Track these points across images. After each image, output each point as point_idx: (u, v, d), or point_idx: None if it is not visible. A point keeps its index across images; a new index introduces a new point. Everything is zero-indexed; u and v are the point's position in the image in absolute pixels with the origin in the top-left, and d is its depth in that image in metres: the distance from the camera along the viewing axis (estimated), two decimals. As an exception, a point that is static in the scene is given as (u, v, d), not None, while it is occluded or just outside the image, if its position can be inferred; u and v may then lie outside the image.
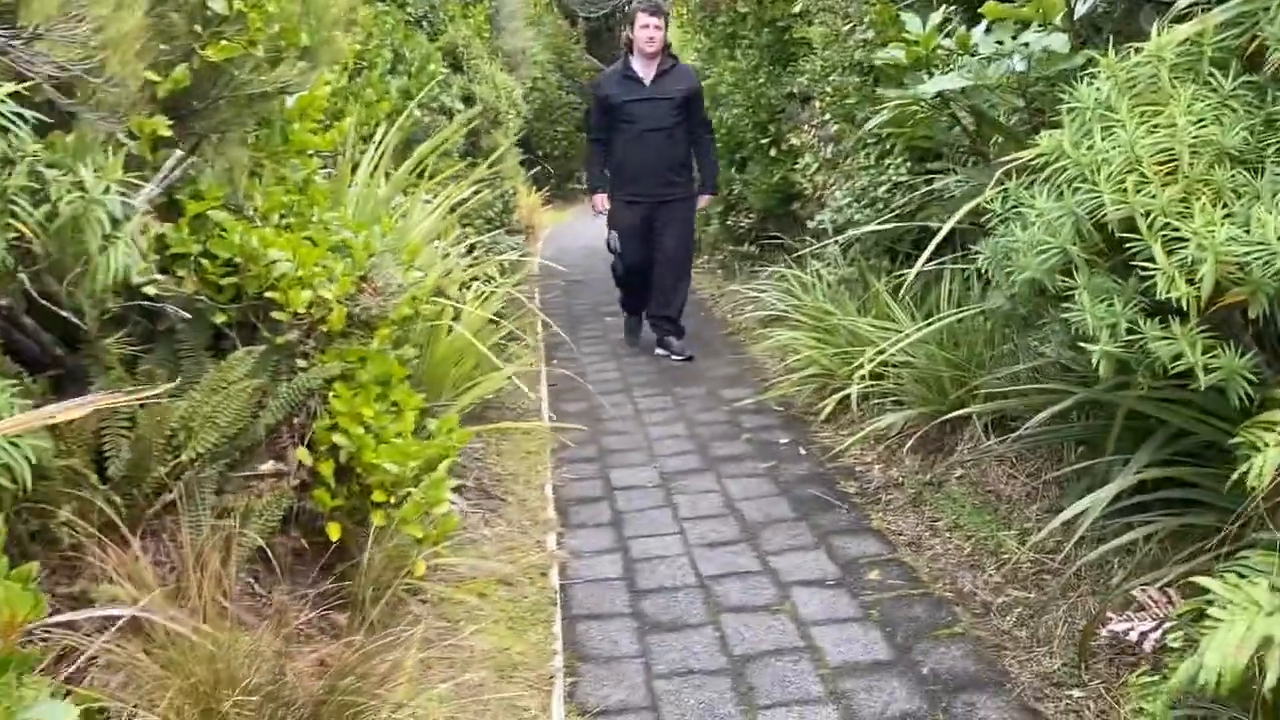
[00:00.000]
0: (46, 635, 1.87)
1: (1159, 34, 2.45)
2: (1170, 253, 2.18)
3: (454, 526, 2.90)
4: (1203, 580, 1.98)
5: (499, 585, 3.36)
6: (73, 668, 1.93)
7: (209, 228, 2.70)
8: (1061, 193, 2.45)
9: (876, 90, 4.78)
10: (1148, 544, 2.85)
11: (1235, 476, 2.08)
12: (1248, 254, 2.08)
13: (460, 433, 3.17)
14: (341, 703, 2.07)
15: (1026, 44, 3.07)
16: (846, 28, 5.10)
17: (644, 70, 6.37)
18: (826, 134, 6.19)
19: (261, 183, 2.95)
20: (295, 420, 2.87)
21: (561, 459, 4.73)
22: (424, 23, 6.84)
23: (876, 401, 4.57)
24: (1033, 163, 2.63)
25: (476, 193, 5.17)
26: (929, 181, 4.50)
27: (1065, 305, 2.48)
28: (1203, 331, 2.20)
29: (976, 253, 3.15)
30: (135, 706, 1.85)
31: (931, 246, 3.30)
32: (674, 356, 6.51)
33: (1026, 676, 2.74)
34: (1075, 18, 3.08)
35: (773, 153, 7.45)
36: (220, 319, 2.71)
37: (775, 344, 5.73)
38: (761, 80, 7.51)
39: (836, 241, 5.24)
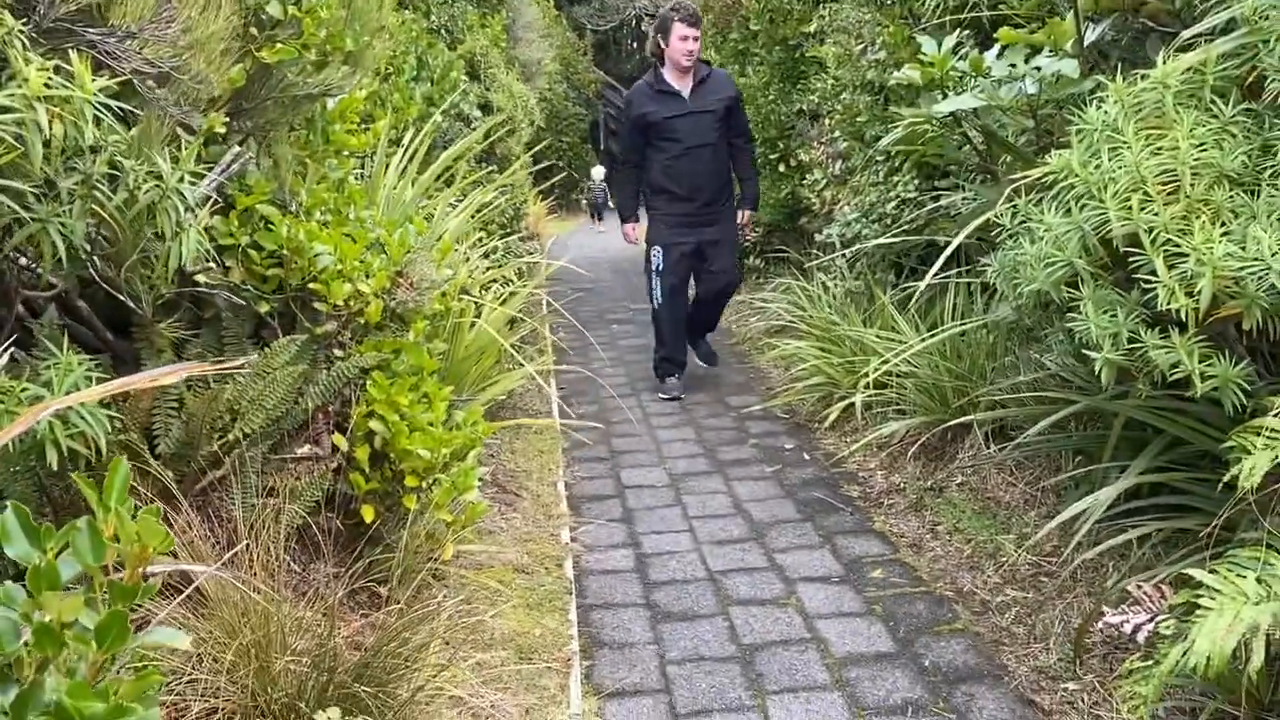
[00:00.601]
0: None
1: (1164, 62, 2.60)
2: (1171, 267, 2.32)
3: (483, 512, 3.03)
4: (1194, 572, 2.12)
5: (516, 574, 3.49)
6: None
7: (255, 221, 2.83)
8: (1069, 209, 2.59)
9: (888, 109, 4.94)
10: (1141, 547, 2.98)
11: (1227, 478, 2.21)
12: (1243, 269, 2.22)
13: (485, 426, 3.29)
14: (382, 667, 2.20)
15: (1039, 68, 3.23)
16: (859, 48, 5.26)
17: (680, 83, 5.87)
18: (836, 151, 6.34)
19: (305, 180, 3.08)
20: (330, 408, 3.00)
21: (573, 458, 4.87)
22: (444, 31, 6.99)
23: (880, 410, 4.71)
24: (1041, 180, 2.77)
25: (500, 198, 5.30)
26: (936, 198, 4.64)
27: (1070, 315, 2.62)
28: (1200, 342, 2.34)
29: (983, 267, 3.29)
30: (199, 659, 1.98)
31: (941, 260, 3.45)
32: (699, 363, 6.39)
33: (1024, 670, 2.87)
34: (1085, 44, 3.23)
35: (781, 168, 7.61)
36: (264, 308, 2.84)
37: (781, 354, 5.88)
38: (772, 97, 7.67)
39: (844, 255, 5.39)
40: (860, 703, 2.76)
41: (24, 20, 1.82)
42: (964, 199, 4.00)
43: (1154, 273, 2.36)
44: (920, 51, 3.78)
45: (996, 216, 2.99)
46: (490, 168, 6.47)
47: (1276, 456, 2.12)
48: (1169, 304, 2.30)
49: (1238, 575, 2.07)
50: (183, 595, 2.03)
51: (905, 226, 4.86)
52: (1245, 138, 2.48)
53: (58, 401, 1.51)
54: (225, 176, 2.50)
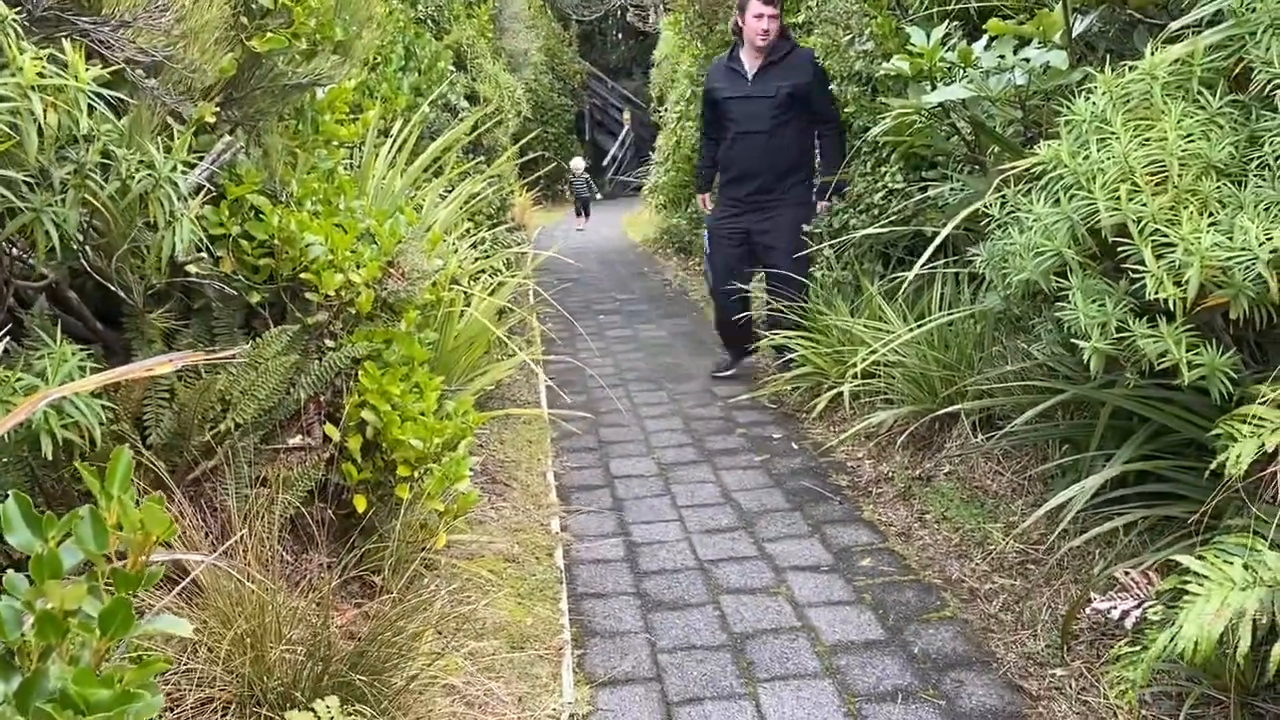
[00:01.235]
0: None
1: (1152, 54, 2.62)
2: (1159, 257, 2.34)
3: (475, 502, 3.03)
4: (1181, 558, 2.14)
5: (507, 563, 3.50)
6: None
7: (246, 211, 2.83)
8: (1058, 199, 2.61)
9: (876, 100, 4.96)
10: (1128, 534, 3.01)
11: (1214, 465, 2.24)
12: (1230, 259, 2.24)
13: (475, 415, 3.30)
14: (377, 656, 2.20)
15: (1028, 59, 3.24)
16: (847, 39, 5.27)
17: (750, 62, 5.56)
18: (823, 141, 6.33)
19: (296, 170, 3.07)
20: (322, 398, 3.00)
21: (562, 448, 4.88)
22: (431, 21, 6.97)
23: (868, 400, 4.73)
24: (1030, 171, 2.79)
25: (487, 189, 5.30)
26: (924, 189, 4.66)
27: (1059, 305, 2.64)
28: (1187, 331, 2.36)
29: (971, 257, 3.31)
30: (194, 649, 1.98)
31: (930, 250, 3.47)
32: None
33: (1012, 657, 2.89)
34: (1073, 36, 3.25)
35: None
36: (255, 298, 2.83)
37: (768, 344, 5.88)
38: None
39: (831, 245, 5.40)
40: (851, 690, 2.78)
41: (17, 9, 1.81)
42: (952, 190, 4.02)
43: (1142, 262, 2.38)
44: (909, 42, 3.79)
45: (985, 207, 3.01)
46: (478, 158, 6.46)
47: (1262, 444, 2.15)
48: (1157, 293, 2.32)
49: (1225, 561, 2.10)
50: (180, 586, 2.04)
51: (893, 217, 4.87)
52: (1232, 129, 2.51)
53: (54, 391, 1.51)
54: (216, 166, 2.50)
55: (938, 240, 3.37)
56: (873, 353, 4.36)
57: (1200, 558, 2.14)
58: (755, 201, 5.69)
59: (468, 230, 5.23)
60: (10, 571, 1.17)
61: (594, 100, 23.60)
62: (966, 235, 3.87)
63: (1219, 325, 2.45)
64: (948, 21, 3.90)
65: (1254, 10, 2.43)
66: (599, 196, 18.09)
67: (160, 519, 1.13)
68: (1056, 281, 2.66)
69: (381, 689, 2.21)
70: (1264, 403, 2.24)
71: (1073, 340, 2.63)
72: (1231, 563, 2.08)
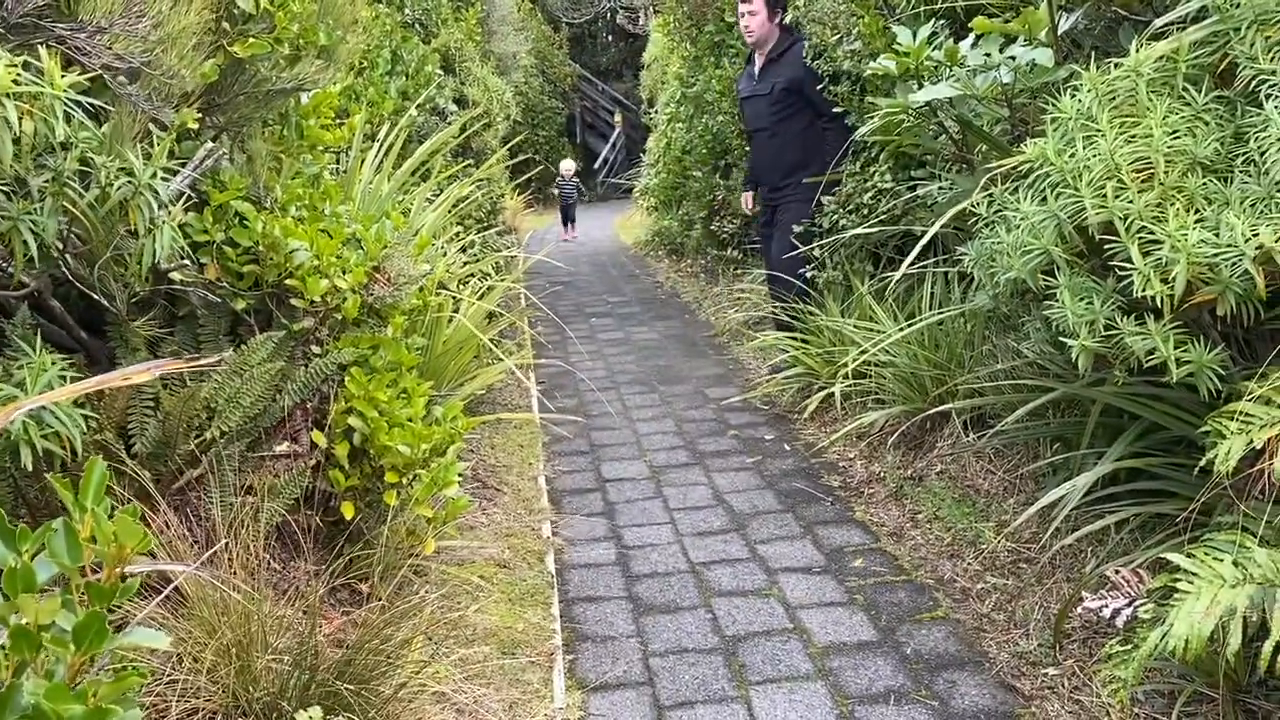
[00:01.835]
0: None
1: (1137, 50, 2.61)
2: (1146, 254, 2.34)
3: (464, 507, 3.02)
4: (1172, 556, 2.14)
5: (498, 569, 3.48)
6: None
7: (230, 217, 2.81)
8: (1045, 197, 2.61)
9: (864, 99, 4.95)
10: (1119, 532, 3.00)
11: (1203, 463, 2.23)
12: (1217, 256, 2.23)
13: (464, 420, 3.28)
14: (365, 664, 2.19)
15: (1013, 57, 3.24)
16: (835, 39, 5.26)
17: (758, 61, 5.61)
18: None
19: (280, 176, 3.06)
20: (308, 404, 2.98)
21: (553, 452, 4.86)
22: (418, 25, 6.95)
23: (859, 400, 4.73)
24: (1017, 169, 2.78)
25: (477, 192, 5.28)
26: (913, 188, 4.66)
27: (1047, 303, 2.64)
28: (1175, 328, 2.36)
29: (960, 256, 3.30)
30: (178, 660, 1.96)
31: (917, 249, 3.46)
32: None
33: (1004, 656, 2.88)
34: (1059, 33, 3.24)
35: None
36: (240, 305, 2.82)
37: (759, 345, 5.88)
38: (748, 88, 7.65)
39: (821, 246, 5.39)
40: (843, 691, 2.77)
41: (-9, 16, 1.80)
42: (940, 188, 4.01)
43: (1129, 260, 2.37)
44: (895, 41, 3.79)
45: (973, 205, 3.01)
46: (467, 162, 6.45)
47: (1251, 441, 2.14)
48: (1144, 291, 2.32)
49: (1215, 559, 2.09)
50: (161, 595, 2.02)
51: (882, 216, 4.87)
52: (1218, 125, 2.50)
53: (31, 401, 1.49)
54: (199, 172, 2.48)
55: (925, 239, 3.36)
56: (863, 353, 4.36)
57: (1190, 555, 2.13)
58: (770, 199, 5.79)
59: (457, 234, 5.21)
60: (-17, 586, 1.16)
61: (584, 103, 23.58)
62: (956, 234, 3.87)
63: (1207, 322, 2.45)
64: (934, 20, 3.89)
65: (1238, 6, 2.43)
66: (586, 198, 17.96)
67: (134, 531, 1.12)
68: (1044, 280, 2.66)
69: (369, 697, 2.19)
70: (1252, 399, 2.23)
71: (1061, 338, 2.62)
72: (1221, 560, 2.07)
